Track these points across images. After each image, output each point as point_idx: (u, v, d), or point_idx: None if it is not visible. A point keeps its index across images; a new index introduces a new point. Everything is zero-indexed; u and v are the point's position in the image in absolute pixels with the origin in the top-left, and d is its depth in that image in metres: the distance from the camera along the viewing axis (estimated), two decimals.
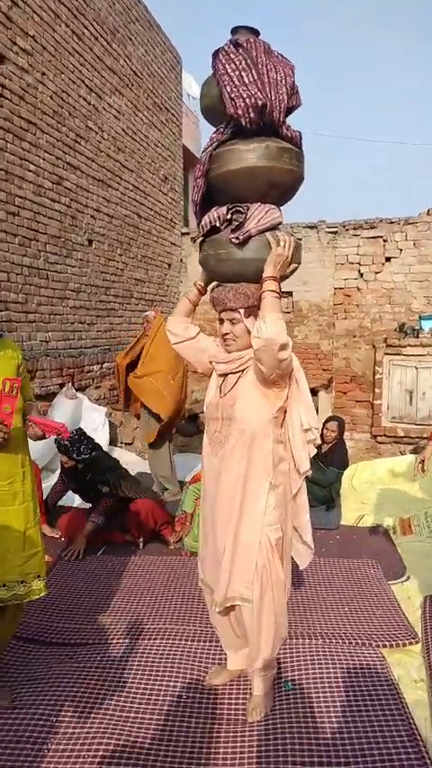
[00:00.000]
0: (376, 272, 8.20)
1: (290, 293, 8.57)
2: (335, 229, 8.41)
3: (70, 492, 4.13)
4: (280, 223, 2.05)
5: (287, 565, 2.12)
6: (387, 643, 2.59)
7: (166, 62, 8.62)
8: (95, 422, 5.89)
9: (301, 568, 2.35)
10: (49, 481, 4.59)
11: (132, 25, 7.39)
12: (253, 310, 2.00)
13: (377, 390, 7.96)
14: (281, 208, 2.14)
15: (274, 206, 2.05)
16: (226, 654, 2.35)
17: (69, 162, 6.00)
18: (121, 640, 2.61)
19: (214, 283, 2.18)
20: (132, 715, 2.11)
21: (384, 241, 8.10)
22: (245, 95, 1.95)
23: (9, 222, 5.06)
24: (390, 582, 3.27)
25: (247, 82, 1.95)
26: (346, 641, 2.59)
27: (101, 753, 1.91)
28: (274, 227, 2.02)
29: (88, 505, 4.01)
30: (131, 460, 5.98)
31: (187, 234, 9.46)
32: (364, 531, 4.19)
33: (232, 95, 1.96)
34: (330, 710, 2.12)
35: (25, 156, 5.25)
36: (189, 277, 9.45)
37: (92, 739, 1.97)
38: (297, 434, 2.05)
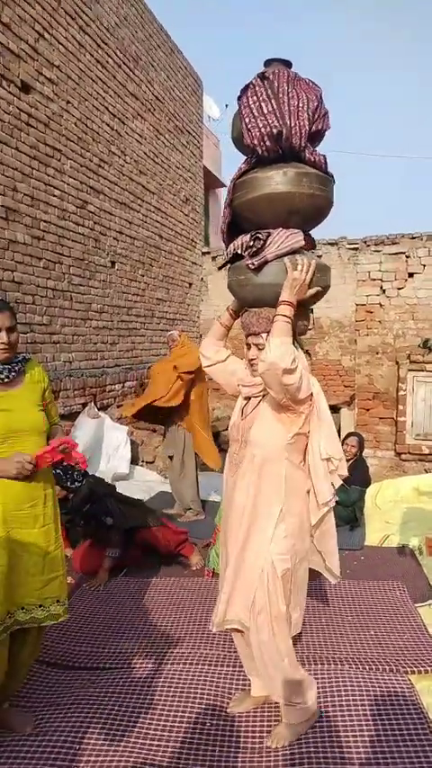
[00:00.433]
0: (399, 288, 8.16)
1: (311, 309, 8.57)
2: (356, 245, 8.41)
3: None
4: (301, 247, 2.07)
5: (296, 598, 2.05)
6: (415, 669, 2.53)
7: (188, 86, 8.80)
8: (117, 440, 5.93)
9: (332, 583, 2.29)
10: None
11: (154, 52, 7.57)
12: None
13: (401, 407, 7.88)
14: (311, 232, 2.17)
15: (297, 231, 2.06)
16: (250, 679, 2.32)
17: (93, 186, 6.13)
18: (143, 664, 2.59)
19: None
20: (155, 742, 2.09)
21: (407, 257, 8.07)
22: (261, 125, 2.02)
23: (34, 246, 5.19)
24: (417, 605, 3.20)
25: (265, 112, 2.01)
26: (373, 667, 2.54)
27: None
28: (294, 252, 2.04)
29: None
30: (153, 479, 5.99)
31: (207, 253, 9.57)
32: (389, 552, 4.12)
33: (249, 126, 2.04)
34: (357, 739, 2.07)
35: (50, 181, 5.39)
36: (210, 296, 9.53)
37: (114, 765, 1.95)
38: (317, 463, 2.02)
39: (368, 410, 8.30)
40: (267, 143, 2.02)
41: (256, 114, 2.01)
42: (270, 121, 1.99)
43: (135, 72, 7.04)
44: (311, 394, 1.99)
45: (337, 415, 8.02)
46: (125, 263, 6.93)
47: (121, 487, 4.53)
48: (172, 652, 2.68)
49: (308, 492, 2.07)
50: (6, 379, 2.03)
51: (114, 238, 6.65)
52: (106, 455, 5.83)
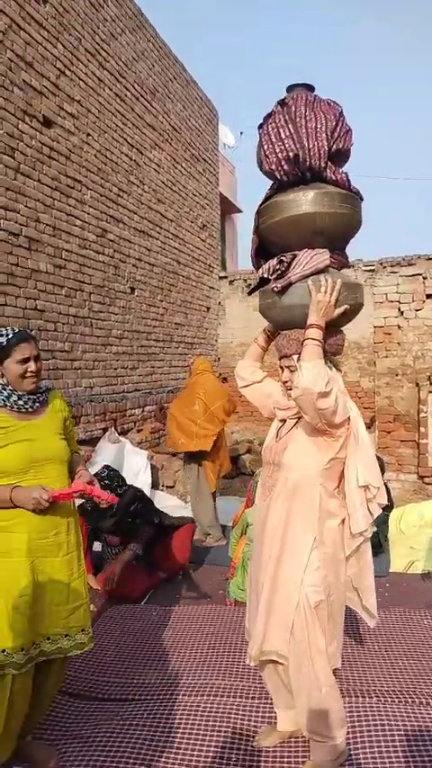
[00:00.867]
0: (417, 310, 8.13)
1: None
2: (372, 267, 8.42)
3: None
4: (327, 266, 2.05)
5: (332, 630, 1.99)
6: None
7: (203, 116, 8.99)
8: (137, 465, 5.93)
9: (371, 627, 2.22)
10: None
11: (171, 84, 7.77)
12: None
13: (423, 429, 7.78)
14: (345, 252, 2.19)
15: (323, 251, 2.05)
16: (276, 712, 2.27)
17: (113, 215, 6.26)
18: (167, 696, 2.55)
19: None
20: None
21: (424, 278, 8.05)
22: (278, 150, 2.05)
23: (56, 275, 5.29)
24: None
25: (283, 137, 2.04)
26: (402, 699, 2.47)
27: None
28: (319, 272, 2.04)
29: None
30: (173, 504, 5.96)
31: (224, 278, 9.66)
32: (414, 579, 4.03)
33: (267, 152, 2.08)
34: None
35: (71, 211, 5.51)
36: (227, 319, 9.58)
37: None
38: (353, 491, 1.95)
39: (389, 432, 8.21)
40: (285, 167, 2.05)
41: (273, 140, 2.04)
42: (287, 145, 2.02)
43: (152, 104, 7.23)
44: (348, 418, 1.94)
45: None
46: (144, 289, 7.02)
47: None
48: (196, 683, 2.64)
49: (342, 521, 2.01)
50: (30, 409, 2.06)
51: (134, 265, 6.76)
52: (127, 480, 5.82)
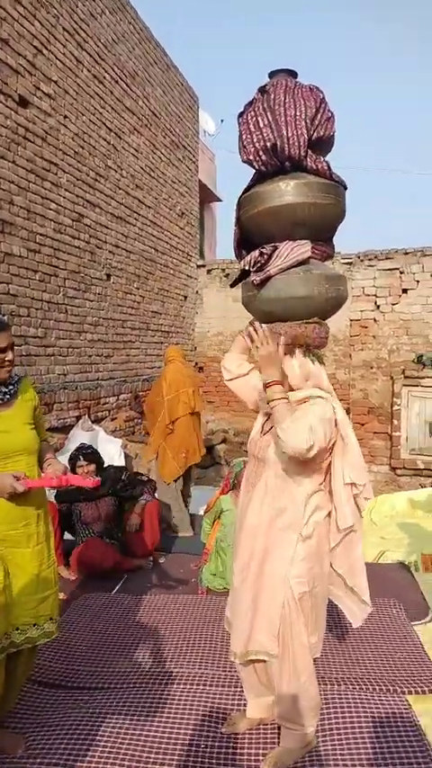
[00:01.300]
0: (393, 304, 8.21)
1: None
2: (350, 260, 8.46)
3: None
4: (309, 258, 2.03)
5: (314, 621, 2.00)
6: (413, 689, 2.49)
7: (184, 102, 8.88)
8: (111, 453, 5.87)
9: (354, 626, 2.24)
10: None
11: (151, 68, 7.65)
12: (288, 349, 1.99)
13: (395, 422, 7.89)
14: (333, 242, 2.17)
15: (304, 242, 2.02)
16: (246, 700, 2.27)
17: (89, 200, 6.15)
18: (137, 684, 2.54)
19: None
20: (149, 764, 2.04)
21: (401, 273, 8.12)
22: (255, 140, 2.00)
23: (30, 259, 5.18)
24: (413, 623, 3.16)
25: (261, 126, 1.99)
26: (369, 687, 2.50)
27: None
28: (300, 264, 2.02)
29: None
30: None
31: (203, 266, 9.61)
32: (385, 568, 4.08)
33: (245, 142, 2.03)
34: (354, 761, 2.04)
35: (47, 195, 5.40)
36: (204, 309, 9.55)
37: None
38: (340, 488, 1.96)
39: (363, 425, 8.31)
40: (263, 157, 2.00)
41: (252, 129, 2.00)
42: (265, 135, 1.97)
43: (132, 88, 7.10)
44: (337, 421, 1.94)
45: None
46: (121, 276, 6.94)
47: None
48: (166, 671, 2.64)
49: (329, 514, 2.01)
50: (2, 401, 2.02)
51: (110, 252, 6.66)
52: None
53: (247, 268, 2.09)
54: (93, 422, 5.99)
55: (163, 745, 2.14)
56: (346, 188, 2.10)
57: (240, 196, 2.12)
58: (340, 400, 7.49)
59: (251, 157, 2.02)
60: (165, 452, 4.75)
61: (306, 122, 1.96)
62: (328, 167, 2.03)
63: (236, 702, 2.38)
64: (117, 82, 6.72)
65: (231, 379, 2.28)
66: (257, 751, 2.12)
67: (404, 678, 2.57)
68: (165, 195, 8.22)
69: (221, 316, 9.22)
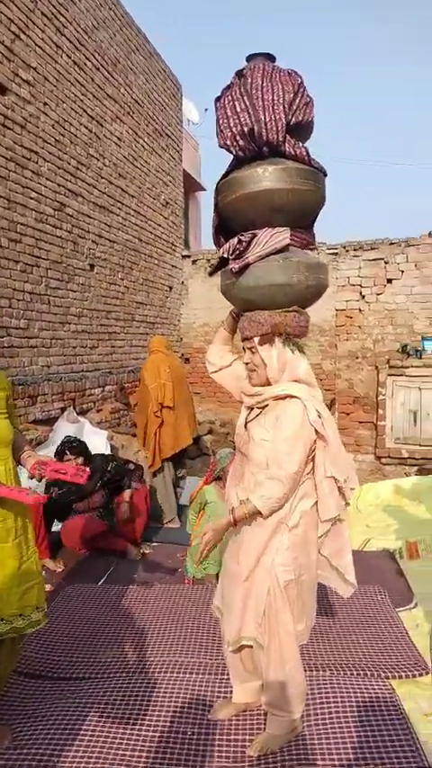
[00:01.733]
0: (378, 294, 8.24)
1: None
2: (335, 250, 8.46)
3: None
4: (288, 246, 2.00)
5: (300, 609, 2.01)
6: (396, 674, 2.52)
7: (167, 90, 8.78)
8: (97, 445, 5.84)
9: (344, 597, 2.27)
10: None
11: (133, 55, 7.54)
12: (267, 338, 1.97)
13: (380, 411, 7.94)
14: (313, 230, 2.14)
15: (283, 229, 1.99)
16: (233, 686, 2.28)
17: (71, 189, 6.07)
18: (123, 674, 2.54)
19: None
20: (136, 752, 2.05)
21: (386, 263, 8.14)
22: (232, 124, 1.96)
23: (11, 249, 5.10)
24: (397, 609, 3.20)
25: (238, 110, 1.95)
26: (354, 672, 2.53)
27: None
28: (279, 251, 1.99)
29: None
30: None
31: (188, 257, 9.55)
32: (370, 556, 4.12)
33: (222, 127, 1.99)
34: (339, 746, 2.06)
35: (27, 183, 5.31)
36: (190, 299, 9.50)
37: None
38: (322, 480, 1.96)
39: (348, 414, 8.35)
40: (240, 142, 1.97)
41: (229, 114, 1.96)
42: (242, 119, 1.93)
43: (113, 75, 7.00)
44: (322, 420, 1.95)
45: None
46: (104, 266, 6.87)
47: None
48: (152, 661, 2.64)
49: (315, 504, 2.01)
50: None
51: (93, 242, 6.59)
52: None
53: (225, 256, 2.06)
54: (78, 413, 5.95)
55: (150, 733, 2.14)
56: (325, 174, 2.07)
57: (218, 182, 2.09)
58: (326, 390, 7.48)
59: (228, 142, 1.98)
60: (151, 440, 4.75)
61: (284, 107, 1.93)
62: (307, 153, 1.99)
63: (222, 689, 2.39)
64: (98, 69, 6.62)
65: (215, 372, 2.27)
66: (244, 737, 2.14)
67: (388, 663, 2.60)
68: (148, 184, 8.14)
69: (207, 306, 9.18)
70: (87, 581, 3.57)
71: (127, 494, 4.06)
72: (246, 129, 1.94)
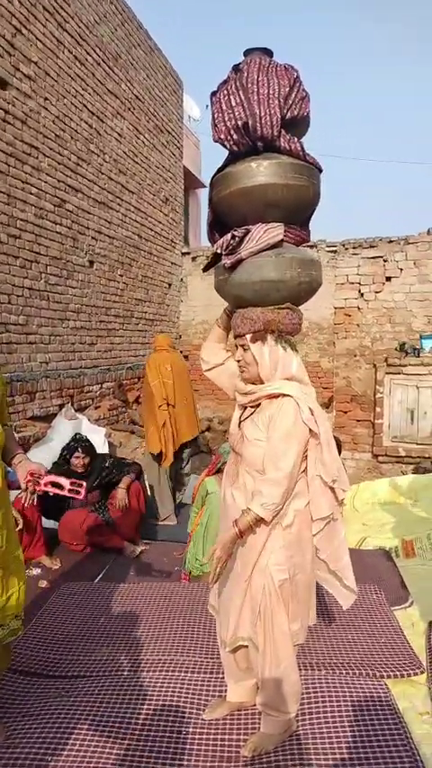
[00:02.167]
0: (377, 292, 8.24)
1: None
2: (334, 248, 8.46)
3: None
4: (281, 241, 1.98)
5: (296, 609, 2.01)
6: (391, 673, 2.53)
7: (168, 86, 8.75)
8: (95, 442, 5.82)
9: (344, 608, 2.26)
10: None
11: (134, 51, 7.51)
12: (259, 335, 1.95)
13: (378, 410, 7.95)
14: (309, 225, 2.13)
15: (277, 225, 1.97)
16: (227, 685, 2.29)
17: (71, 184, 6.05)
18: (117, 672, 2.54)
19: None
20: (130, 751, 2.05)
21: (384, 261, 8.14)
22: (227, 118, 1.93)
23: (10, 245, 5.09)
24: (393, 608, 3.20)
25: (233, 104, 1.92)
26: (349, 671, 2.53)
27: None
28: (272, 247, 1.97)
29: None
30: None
31: (187, 254, 9.53)
32: (366, 555, 4.13)
33: (216, 121, 1.96)
34: (333, 746, 2.06)
35: (27, 179, 5.30)
36: (189, 296, 9.49)
37: None
38: (314, 479, 1.95)
39: (346, 412, 8.36)
40: (234, 136, 1.94)
41: (224, 108, 1.93)
42: (237, 114, 1.91)
43: (114, 70, 6.97)
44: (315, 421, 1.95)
45: None
46: (104, 262, 6.86)
47: None
48: (147, 659, 2.64)
49: (309, 502, 2.00)
50: None
51: (93, 238, 6.58)
52: None
53: (218, 251, 2.03)
54: (76, 410, 5.95)
55: (144, 732, 2.15)
56: (320, 170, 2.04)
57: (213, 176, 2.07)
58: (324, 388, 7.46)
59: (222, 136, 1.96)
60: (150, 426, 4.81)
61: (279, 101, 1.90)
62: (302, 148, 1.96)
63: (216, 688, 2.39)
64: (99, 64, 6.60)
65: (209, 370, 2.25)
66: (238, 736, 2.14)
67: (383, 662, 2.61)
68: (149, 181, 8.12)
69: (206, 304, 9.18)
70: (83, 578, 3.57)
71: (125, 480, 4.06)
72: (240, 123, 1.91)
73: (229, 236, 1.99)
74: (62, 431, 5.46)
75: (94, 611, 3.13)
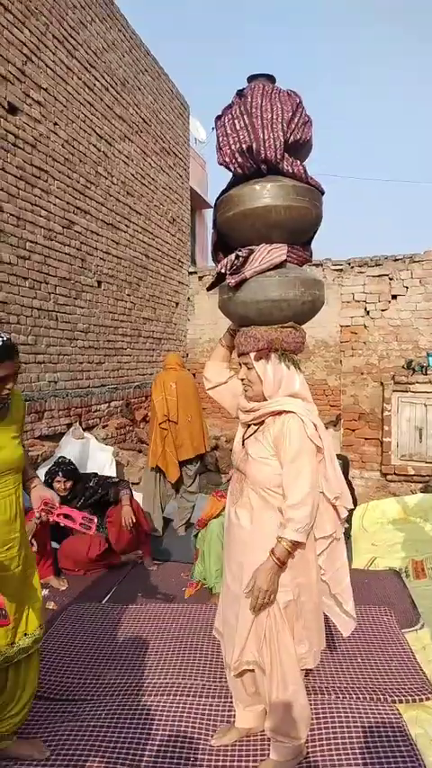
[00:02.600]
0: (383, 310, 8.25)
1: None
2: (340, 267, 8.50)
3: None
4: (284, 261, 2.01)
5: (302, 631, 1.99)
6: (403, 698, 2.48)
7: (174, 109, 8.91)
8: (103, 461, 5.85)
9: (344, 636, 2.24)
10: None
11: (141, 76, 7.67)
12: (263, 353, 1.97)
13: (386, 428, 7.91)
14: (311, 246, 2.16)
15: (280, 245, 2.01)
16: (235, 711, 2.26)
17: (79, 206, 6.15)
18: (124, 696, 2.51)
19: None
20: None
21: (390, 279, 8.16)
22: (231, 141, 1.98)
23: (20, 266, 5.16)
24: (403, 630, 3.15)
25: (238, 128, 1.98)
26: (359, 696, 2.49)
27: None
28: (275, 267, 2.00)
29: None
30: (138, 500, 5.92)
31: (194, 273, 9.61)
32: (375, 575, 4.08)
33: (221, 144, 2.01)
34: None
35: (37, 201, 5.39)
36: (196, 315, 9.55)
37: None
38: (317, 496, 1.95)
39: (354, 430, 8.32)
40: (239, 159, 1.99)
41: (228, 132, 1.98)
42: (242, 137, 1.96)
43: (122, 95, 7.12)
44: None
45: None
46: (112, 282, 6.93)
47: None
48: (154, 683, 2.61)
49: None
50: None
51: (101, 258, 6.65)
52: None
53: (223, 271, 2.06)
54: (84, 429, 5.96)
55: (152, 758, 2.12)
56: (322, 192, 2.08)
57: (217, 198, 2.11)
58: (331, 406, 7.46)
59: (227, 159, 2.00)
60: (159, 446, 4.85)
61: (282, 125, 1.94)
62: (305, 171, 2.01)
63: (225, 714, 2.36)
64: (107, 89, 6.74)
65: (211, 388, 2.27)
66: (248, 764, 2.10)
67: (394, 686, 2.56)
68: (156, 202, 8.23)
69: (213, 322, 9.22)
70: (91, 599, 3.55)
71: (125, 498, 3.97)
72: (245, 146, 1.96)
73: (233, 255, 2.03)
74: (70, 450, 5.47)
75: (102, 634, 3.11)
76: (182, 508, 5.04)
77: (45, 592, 3.57)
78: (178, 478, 4.89)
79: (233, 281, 1.99)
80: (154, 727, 2.28)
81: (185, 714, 2.35)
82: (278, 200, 1.96)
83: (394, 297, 8.17)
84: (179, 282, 9.19)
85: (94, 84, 6.44)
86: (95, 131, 6.47)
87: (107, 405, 6.71)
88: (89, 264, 6.39)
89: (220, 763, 2.10)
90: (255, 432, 2.03)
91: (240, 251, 2.00)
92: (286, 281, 1.99)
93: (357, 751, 2.12)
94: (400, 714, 2.36)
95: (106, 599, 3.58)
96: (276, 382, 1.98)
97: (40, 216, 5.45)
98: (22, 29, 5.13)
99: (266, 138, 1.94)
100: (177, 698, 2.47)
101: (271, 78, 2.09)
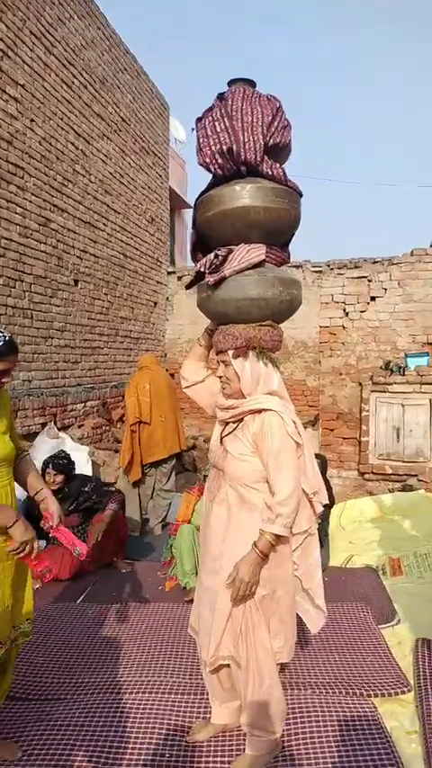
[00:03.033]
0: (361, 311, 8.31)
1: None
2: (320, 269, 8.55)
3: None
4: (263, 261, 2.04)
5: (277, 625, 1.99)
6: (379, 692, 2.49)
7: (154, 108, 8.89)
8: (78, 461, 5.76)
9: (312, 633, 2.24)
10: None
11: (121, 74, 7.64)
12: (241, 351, 1.98)
13: (364, 427, 7.96)
14: (289, 247, 2.19)
15: (259, 245, 2.04)
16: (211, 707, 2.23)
17: (56, 204, 6.08)
18: (99, 695, 2.48)
19: None
20: None
21: (369, 281, 8.24)
22: (212, 143, 2.02)
23: None
24: (380, 626, 3.17)
25: (218, 130, 2.01)
26: (336, 691, 2.49)
27: None
28: (254, 266, 2.03)
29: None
30: None
31: (173, 273, 9.59)
32: (352, 573, 4.10)
33: (201, 145, 2.06)
34: (320, 766, 2.02)
35: (12, 198, 5.31)
36: (175, 315, 9.52)
37: None
38: None
39: (332, 430, 8.36)
40: (219, 160, 2.02)
41: (209, 133, 2.02)
42: (222, 139, 1.99)
43: (101, 93, 7.07)
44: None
45: None
46: (89, 281, 6.87)
47: None
48: (129, 681, 2.58)
49: None
50: None
51: (78, 257, 6.59)
52: None
53: (202, 269, 2.08)
54: (59, 429, 5.89)
55: (127, 755, 2.09)
56: (301, 195, 2.13)
57: (197, 199, 2.14)
58: (310, 406, 7.50)
59: (207, 160, 2.04)
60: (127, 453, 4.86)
61: (263, 128, 1.99)
62: (284, 173, 2.06)
63: (201, 710, 2.33)
64: (86, 87, 6.69)
65: (188, 387, 2.28)
66: (223, 759, 2.09)
67: (371, 681, 2.57)
68: (135, 201, 8.19)
69: (192, 322, 9.20)
70: (66, 599, 3.50)
71: (109, 514, 3.90)
72: (225, 147, 2.00)
73: (212, 254, 2.06)
74: (44, 450, 5.39)
75: (76, 633, 3.06)
76: (157, 506, 5.01)
77: None
78: (139, 479, 4.87)
79: (212, 279, 2.02)
80: (129, 724, 2.25)
81: (161, 711, 2.33)
82: (257, 201, 2.00)
83: (373, 298, 8.25)
84: (158, 282, 9.15)
85: (72, 82, 6.38)
86: (73, 129, 6.42)
87: (83, 404, 6.64)
88: (66, 263, 6.32)
89: (196, 759, 2.08)
90: (233, 429, 2.03)
91: (220, 250, 2.03)
92: (265, 280, 2.02)
93: (333, 744, 2.11)
94: (375, 708, 2.36)
95: (81, 599, 3.53)
96: (254, 380, 1.99)
97: (16, 213, 5.38)
98: None
99: (246, 140, 1.98)
100: (152, 695, 2.45)
101: (251, 83, 2.15)
